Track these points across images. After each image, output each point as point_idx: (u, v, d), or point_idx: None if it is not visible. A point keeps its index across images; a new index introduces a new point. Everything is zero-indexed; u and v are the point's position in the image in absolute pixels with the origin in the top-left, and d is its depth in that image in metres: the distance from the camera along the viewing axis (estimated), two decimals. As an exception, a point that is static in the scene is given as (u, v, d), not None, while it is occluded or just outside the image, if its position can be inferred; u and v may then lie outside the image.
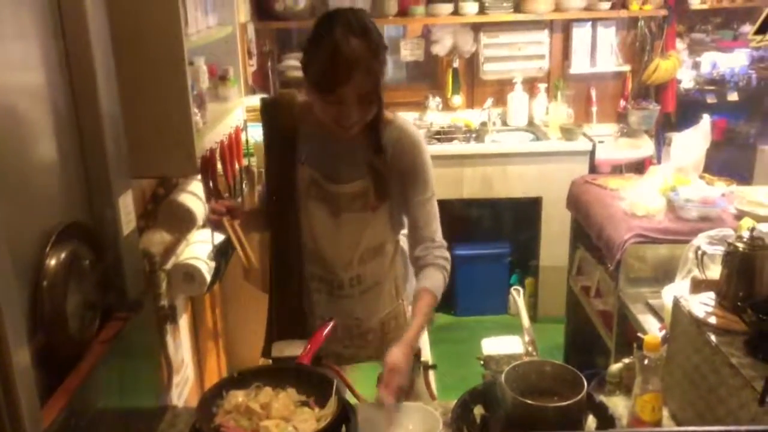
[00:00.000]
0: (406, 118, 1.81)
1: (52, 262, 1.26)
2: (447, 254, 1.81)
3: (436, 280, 1.75)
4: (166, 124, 1.74)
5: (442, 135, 4.14)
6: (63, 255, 1.28)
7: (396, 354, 1.59)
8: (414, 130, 1.79)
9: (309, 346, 1.60)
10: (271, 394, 1.41)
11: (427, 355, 2.01)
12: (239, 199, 2.43)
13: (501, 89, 4.37)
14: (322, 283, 1.84)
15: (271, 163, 1.83)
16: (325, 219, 1.78)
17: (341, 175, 1.75)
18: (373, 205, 1.76)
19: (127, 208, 1.52)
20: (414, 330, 1.68)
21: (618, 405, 1.60)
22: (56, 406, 1.17)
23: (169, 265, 2.11)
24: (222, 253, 2.14)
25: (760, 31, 2.59)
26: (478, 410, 1.54)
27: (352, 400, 1.65)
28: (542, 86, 4.33)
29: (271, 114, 1.82)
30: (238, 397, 1.40)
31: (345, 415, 1.50)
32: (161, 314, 2.04)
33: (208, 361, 2.74)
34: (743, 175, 3.64)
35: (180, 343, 2.33)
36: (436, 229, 1.80)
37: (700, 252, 1.98)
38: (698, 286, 1.65)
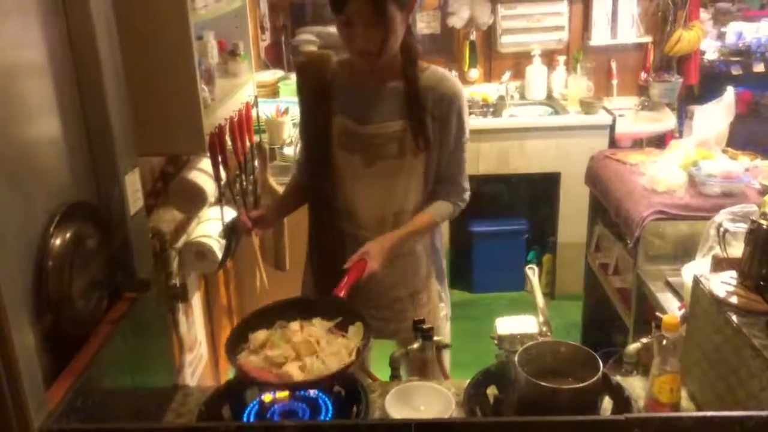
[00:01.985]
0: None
1: (57, 242, 1.24)
2: (464, 196, 1.86)
3: (441, 208, 1.83)
4: (172, 100, 1.71)
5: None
6: (68, 235, 1.26)
7: (370, 244, 1.69)
8: (450, 76, 1.79)
9: (346, 278, 1.62)
10: (295, 329, 1.45)
11: (444, 334, 1.99)
12: (252, 177, 2.40)
13: (519, 62, 4.29)
14: (356, 241, 1.82)
15: (306, 122, 1.87)
16: (356, 170, 1.78)
17: (375, 116, 1.75)
18: (411, 151, 1.74)
19: (134, 186, 1.50)
20: (398, 231, 1.76)
21: (635, 386, 1.56)
22: (62, 387, 1.16)
23: (179, 244, 2.10)
24: (233, 231, 2.12)
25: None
26: (492, 391, 1.51)
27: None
28: (561, 59, 4.24)
29: (306, 72, 1.86)
30: (261, 336, 1.44)
31: (356, 395, 1.49)
32: (172, 292, 2.03)
33: (223, 339, 2.73)
34: (768, 149, 3.55)
35: (193, 321, 2.32)
36: (459, 173, 1.84)
37: (722, 229, 1.92)
38: (719, 264, 1.60)
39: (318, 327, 1.48)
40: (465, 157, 1.84)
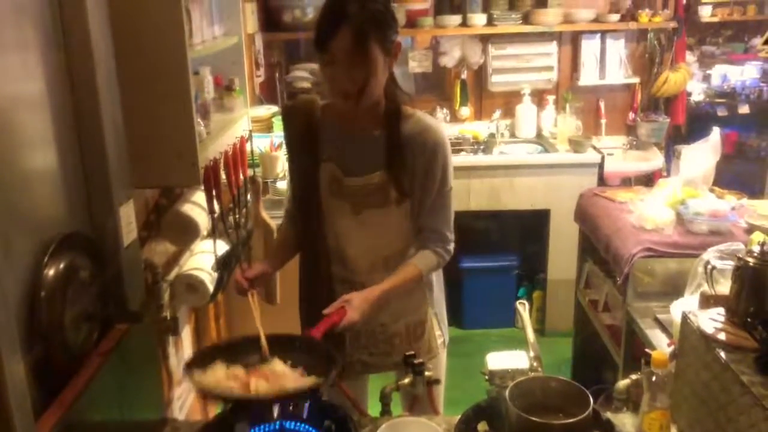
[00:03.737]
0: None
1: (50, 272, 1.24)
2: (448, 246, 1.85)
3: (426, 259, 1.81)
4: (168, 133, 1.73)
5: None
6: (61, 265, 1.27)
7: (354, 294, 1.68)
8: (435, 125, 1.79)
9: (322, 324, 1.61)
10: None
11: (440, 370, 1.98)
12: (244, 210, 2.41)
13: (509, 101, 4.35)
14: (346, 285, 1.83)
15: (294, 165, 1.88)
16: (346, 217, 1.79)
17: (359, 168, 1.76)
18: (395, 200, 1.75)
19: (128, 218, 1.51)
20: (382, 285, 1.74)
21: (625, 422, 1.56)
22: (51, 419, 1.15)
23: (171, 276, 2.10)
24: (225, 264, 2.12)
25: (768, 42, 2.56)
26: (482, 426, 1.51)
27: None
28: (551, 98, 4.31)
29: (292, 117, 1.87)
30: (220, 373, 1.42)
31: (347, 430, 1.49)
32: (163, 325, 2.02)
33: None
34: (754, 189, 3.61)
35: (182, 355, 2.31)
36: (442, 222, 1.82)
37: (709, 266, 1.94)
38: (707, 301, 1.61)
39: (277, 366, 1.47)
40: (449, 206, 1.82)
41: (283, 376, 1.42)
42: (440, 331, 1.98)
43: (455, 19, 4.04)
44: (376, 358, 1.90)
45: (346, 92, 1.65)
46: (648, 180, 4.09)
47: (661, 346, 2.23)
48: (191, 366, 1.43)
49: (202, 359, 1.46)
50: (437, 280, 1.96)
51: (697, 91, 4.37)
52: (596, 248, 2.93)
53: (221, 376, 1.41)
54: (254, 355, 1.50)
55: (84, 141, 1.40)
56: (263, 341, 1.53)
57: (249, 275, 1.82)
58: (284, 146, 1.95)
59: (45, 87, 1.29)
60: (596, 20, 4.11)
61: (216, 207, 2.07)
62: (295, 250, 1.93)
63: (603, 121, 4.36)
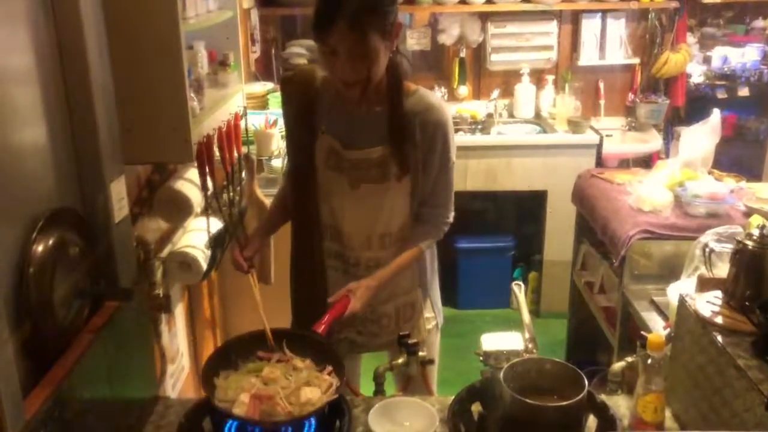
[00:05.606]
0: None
1: (39, 248, 1.22)
2: (447, 220, 1.84)
3: (424, 236, 1.82)
4: (161, 109, 1.70)
5: (447, 126, 4.09)
6: (50, 241, 1.24)
7: (355, 284, 1.70)
8: (438, 102, 1.76)
9: (327, 315, 1.64)
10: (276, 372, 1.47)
11: (433, 350, 1.98)
12: (238, 187, 2.39)
13: (508, 80, 4.32)
14: (339, 260, 1.83)
15: (291, 137, 1.86)
16: (343, 191, 1.77)
17: (359, 141, 1.74)
18: (395, 175, 1.73)
19: (119, 194, 1.48)
20: (384, 271, 1.76)
21: (620, 405, 1.56)
22: (40, 396, 1.14)
23: (164, 253, 2.08)
24: (219, 242, 2.11)
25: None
26: (476, 407, 1.50)
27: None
28: (550, 78, 4.28)
29: (291, 88, 1.85)
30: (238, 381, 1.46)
31: (340, 410, 1.48)
32: (155, 303, 2.01)
33: (205, 351, 2.71)
34: (753, 172, 3.59)
35: (175, 332, 2.30)
36: (444, 197, 1.82)
37: (707, 249, 1.94)
38: (705, 284, 1.60)
39: (302, 367, 1.51)
40: (450, 181, 1.81)
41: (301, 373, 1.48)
42: (433, 313, 1.97)
43: (454, -4, 3.99)
44: (364, 337, 1.90)
45: (348, 81, 1.63)
46: (646, 162, 4.07)
47: (657, 328, 2.23)
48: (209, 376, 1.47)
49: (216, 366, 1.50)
50: (431, 263, 1.94)
51: (696, 73, 4.33)
52: (593, 230, 2.92)
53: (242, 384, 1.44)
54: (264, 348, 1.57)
55: (74, 115, 1.37)
56: (269, 334, 1.58)
57: (248, 254, 1.82)
58: (282, 117, 1.93)
59: (33, 59, 1.26)
60: (597, -1, 4.06)
61: (209, 184, 2.04)
62: (287, 217, 1.93)
63: (602, 101, 4.34)
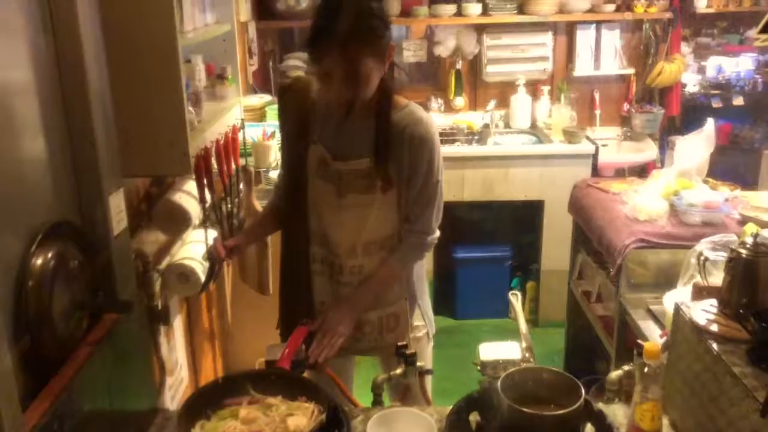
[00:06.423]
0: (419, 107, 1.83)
1: (38, 261, 1.22)
2: (429, 239, 1.84)
3: (403, 254, 1.84)
4: (159, 122, 1.71)
5: (444, 137, 4.10)
6: (50, 254, 1.25)
7: (331, 313, 1.75)
8: (426, 118, 1.78)
9: (286, 349, 1.61)
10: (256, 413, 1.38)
11: (426, 360, 1.98)
12: (237, 199, 2.40)
13: (504, 91, 4.34)
14: (324, 265, 1.86)
15: (285, 145, 1.90)
16: (330, 199, 1.80)
17: (347, 152, 1.77)
18: (380, 188, 1.76)
19: (118, 207, 1.49)
20: (362, 294, 1.81)
21: (617, 413, 1.56)
22: (39, 409, 1.14)
23: (162, 265, 2.08)
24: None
25: (764, 30, 2.55)
26: (474, 417, 1.50)
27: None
28: (545, 88, 4.30)
29: (288, 97, 1.88)
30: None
31: (338, 420, 1.48)
32: (154, 315, 2.01)
33: (204, 363, 2.71)
34: (748, 181, 3.61)
35: (174, 344, 2.30)
36: (427, 214, 1.82)
37: (702, 258, 1.94)
38: (700, 292, 1.61)
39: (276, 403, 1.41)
40: (433, 200, 1.81)
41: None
42: (423, 322, 1.97)
43: (450, 8, 4.02)
44: (348, 340, 1.90)
45: (341, 100, 1.67)
46: (642, 171, 4.09)
47: (654, 337, 2.24)
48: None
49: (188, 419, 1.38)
50: (419, 272, 1.95)
51: (691, 83, 4.36)
52: (589, 239, 2.93)
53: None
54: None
55: (73, 128, 1.37)
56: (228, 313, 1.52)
57: (229, 243, 1.88)
58: (278, 125, 1.97)
59: (32, 73, 1.27)
60: (591, 10, 4.09)
61: (208, 196, 2.05)
62: (277, 225, 1.96)
63: (597, 111, 4.36)
